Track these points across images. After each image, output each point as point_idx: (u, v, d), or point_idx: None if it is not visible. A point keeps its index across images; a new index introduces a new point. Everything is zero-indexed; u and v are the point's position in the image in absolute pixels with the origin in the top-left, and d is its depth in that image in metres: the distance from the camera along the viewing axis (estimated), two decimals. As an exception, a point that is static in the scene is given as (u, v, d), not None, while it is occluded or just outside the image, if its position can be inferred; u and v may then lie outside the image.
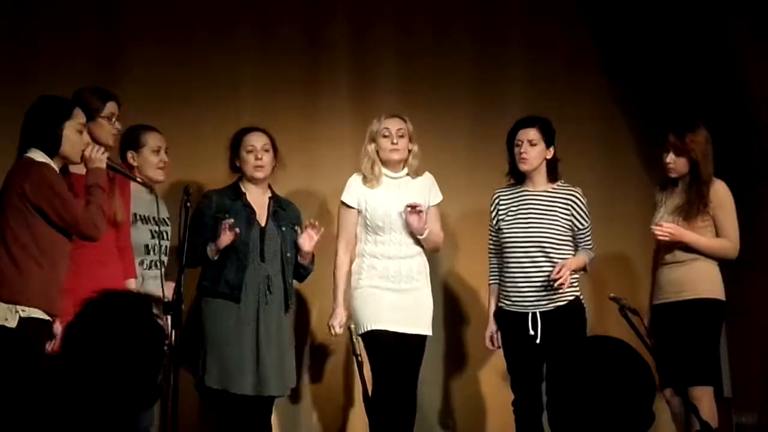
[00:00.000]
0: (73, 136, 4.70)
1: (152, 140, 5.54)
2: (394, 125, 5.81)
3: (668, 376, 5.37)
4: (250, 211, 5.72)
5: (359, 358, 4.79)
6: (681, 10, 6.76)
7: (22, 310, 4.51)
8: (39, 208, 4.57)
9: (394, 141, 5.80)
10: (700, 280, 5.55)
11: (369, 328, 5.66)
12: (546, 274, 5.67)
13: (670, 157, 5.61)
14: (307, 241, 5.71)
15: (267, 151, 5.74)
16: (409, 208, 5.74)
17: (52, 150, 4.67)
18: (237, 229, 5.53)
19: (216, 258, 5.59)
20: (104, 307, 2.55)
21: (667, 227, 5.51)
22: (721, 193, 5.59)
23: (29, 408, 4.38)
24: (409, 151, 5.85)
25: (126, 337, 2.50)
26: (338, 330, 5.75)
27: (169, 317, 4.94)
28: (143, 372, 2.50)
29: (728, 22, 6.54)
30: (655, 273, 5.76)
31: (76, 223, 4.61)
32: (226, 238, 5.51)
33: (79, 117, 4.74)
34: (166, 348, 4.97)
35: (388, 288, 5.76)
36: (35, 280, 4.55)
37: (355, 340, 4.88)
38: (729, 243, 5.59)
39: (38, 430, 2.53)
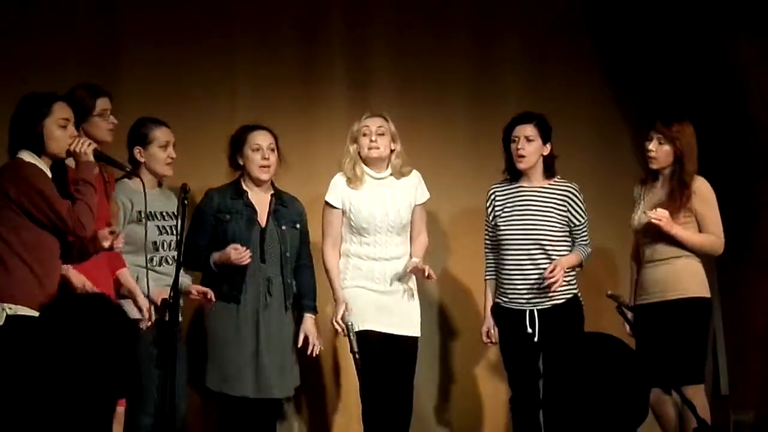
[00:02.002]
0: (55, 131, 4.65)
1: (161, 135, 5.50)
2: (373, 123, 5.80)
3: (655, 377, 5.35)
4: (252, 210, 5.69)
5: (357, 356, 4.80)
6: (679, 10, 6.76)
7: (9, 308, 4.50)
8: (22, 207, 4.55)
9: (373, 138, 5.78)
10: (685, 279, 5.53)
11: (356, 329, 5.65)
12: (543, 271, 5.68)
13: (653, 145, 5.56)
14: (300, 342, 5.71)
15: (273, 150, 5.71)
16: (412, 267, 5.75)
17: (38, 148, 4.64)
18: (249, 259, 5.52)
19: (216, 271, 5.59)
20: (59, 313, 2.57)
21: (662, 215, 5.48)
22: (703, 189, 5.55)
23: (20, 404, 4.39)
24: (392, 150, 5.84)
25: (87, 327, 2.53)
26: (342, 324, 5.65)
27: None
28: (112, 356, 2.53)
29: (727, 22, 6.55)
30: (634, 272, 5.74)
31: (62, 221, 4.56)
32: (240, 261, 5.51)
33: (59, 112, 4.68)
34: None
35: (373, 289, 5.75)
36: (21, 278, 4.53)
37: (352, 337, 4.89)
38: (715, 238, 5.56)
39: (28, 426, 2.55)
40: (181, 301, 5.31)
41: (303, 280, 5.77)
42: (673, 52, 6.85)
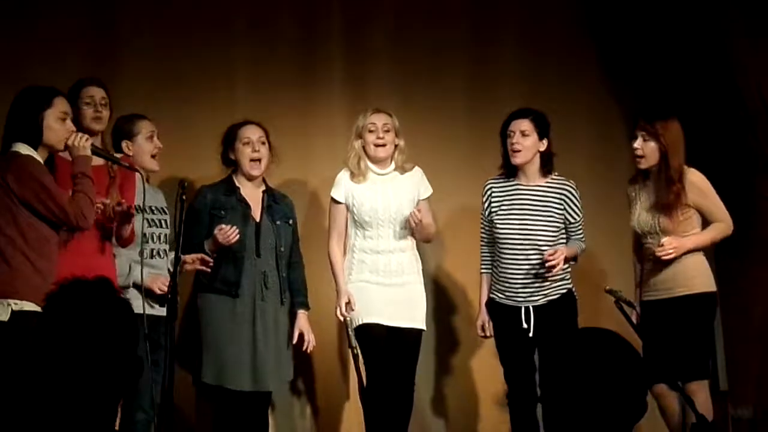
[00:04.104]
0: (54, 124, 4.66)
1: (144, 127, 5.53)
2: (380, 120, 5.83)
3: (661, 372, 5.36)
4: (246, 206, 5.71)
5: (355, 351, 4.80)
6: (677, 6, 6.76)
7: (15, 304, 4.50)
8: (25, 201, 4.55)
9: (380, 135, 5.81)
10: (693, 275, 5.52)
11: (361, 322, 5.68)
12: (539, 269, 5.68)
13: (639, 143, 5.53)
14: (295, 338, 5.74)
15: (263, 143, 5.73)
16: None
17: (35, 141, 4.64)
18: (237, 236, 5.51)
19: (214, 256, 5.58)
20: (65, 299, 2.56)
21: (669, 246, 5.45)
22: (696, 181, 5.53)
23: (24, 399, 4.39)
24: (396, 146, 5.86)
25: (94, 320, 2.51)
26: (345, 312, 5.69)
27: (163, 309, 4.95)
28: (119, 350, 2.51)
29: (724, 17, 6.55)
30: (638, 268, 5.74)
31: (64, 214, 4.58)
32: (227, 240, 5.50)
33: (59, 105, 4.70)
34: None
35: (378, 282, 5.77)
36: (25, 273, 4.53)
37: (351, 332, 4.90)
38: (723, 225, 5.57)
39: (32, 421, 2.54)
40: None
41: (294, 277, 5.79)
42: (672, 48, 6.85)
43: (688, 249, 5.49)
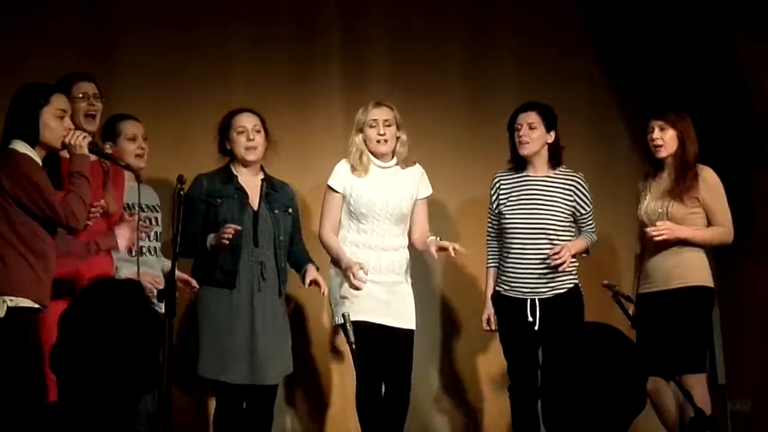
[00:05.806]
0: (51, 122, 4.63)
1: (128, 128, 5.51)
2: (381, 115, 5.76)
3: (656, 365, 5.36)
4: (243, 194, 5.65)
5: (353, 346, 4.78)
6: (676, 2, 6.76)
7: (10, 300, 4.49)
8: (17, 199, 4.53)
9: (381, 131, 5.73)
10: (690, 269, 5.57)
11: (351, 320, 5.62)
12: (547, 261, 5.68)
13: (657, 133, 5.62)
14: (307, 284, 5.67)
15: (258, 131, 5.67)
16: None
17: (32, 139, 4.62)
18: (230, 234, 5.46)
19: (215, 250, 5.55)
20: (98, 295, 2.55)
21: (663, 227, 5.50)
22: (710, 179, 5.61)
23: (21, 395, 4.39)
24: (397, 139, 5.80)
25: (122, 323, 2.50)
26: (363, 280, 5.59)
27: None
28: (142, 356, 2.51)
29: (724, 12, 6.54)
30: (639, 261, 5.76)
31: (54, 213, 4.55)
32: (226, 240, 5.47)
33: (57, 102, 4.66)
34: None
35: (368, 279, 5.66)
36: (20, 270, 4.51)
37: (348, 327, 4.88)
38: (724, 229, 5.62)
39: (42, 420, 2.53)
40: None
41: (298, 250, 5.73)
42: (670, 42, 6.85)
43: (681, 236, 5.52)
